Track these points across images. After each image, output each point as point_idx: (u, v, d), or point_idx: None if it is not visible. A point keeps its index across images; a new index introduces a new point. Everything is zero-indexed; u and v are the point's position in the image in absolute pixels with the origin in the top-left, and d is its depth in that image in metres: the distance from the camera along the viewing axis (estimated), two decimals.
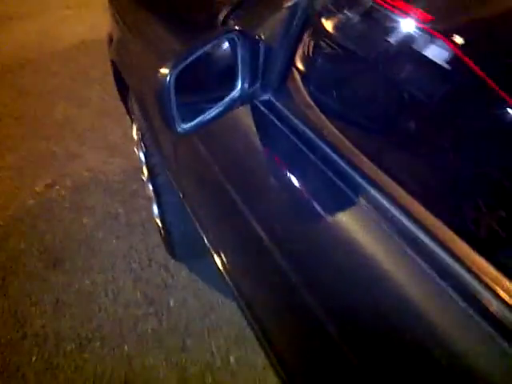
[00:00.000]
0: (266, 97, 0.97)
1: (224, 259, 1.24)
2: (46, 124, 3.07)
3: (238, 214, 1.05)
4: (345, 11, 0.86)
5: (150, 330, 1.88)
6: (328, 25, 0.89)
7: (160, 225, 1.96)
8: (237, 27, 0.93)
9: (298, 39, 0.91)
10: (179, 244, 1.90)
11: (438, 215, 0.62)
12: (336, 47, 0.87)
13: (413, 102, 0.70)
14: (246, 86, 0.95)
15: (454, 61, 0.65)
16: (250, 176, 1.06)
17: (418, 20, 0.69)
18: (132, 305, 1.97)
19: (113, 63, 1.96)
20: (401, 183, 0.68)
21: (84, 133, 2.95)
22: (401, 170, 0.71)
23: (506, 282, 0.53)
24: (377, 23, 0.79)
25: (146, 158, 1.81)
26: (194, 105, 0.95)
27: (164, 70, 0.84)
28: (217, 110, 0.94)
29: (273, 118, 0.95)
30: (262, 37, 0.92)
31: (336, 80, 0.88)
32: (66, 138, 2.93)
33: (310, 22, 0.90)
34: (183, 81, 0.86)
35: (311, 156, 0.84)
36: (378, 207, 0.70)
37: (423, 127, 0.69)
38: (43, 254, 2.23)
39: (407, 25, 0.72)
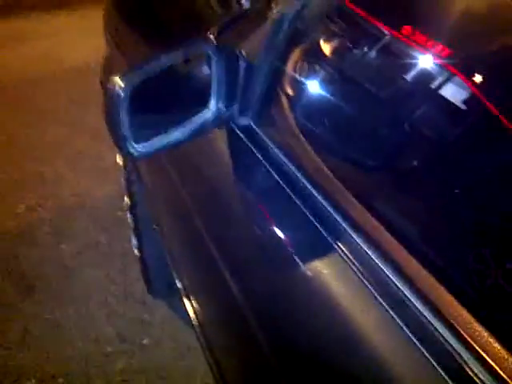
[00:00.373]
0: (245, 121, 0.85)
1: (194, 305, 1.11)
2: (38, 144, 2.98)
3: (207, 256, 0.93)
4: (348, 34, 0.77)
5: (118, 370, 1.74)
6: (327, 47, 0.78)
7: (138, 257, 1.84)
8: (212, 37, 0.81)
9: (285, 56, 0.81)
10: (156, 279, 1.77)
11: (434, 271, 0.52)
12: (335, 73, 0.77)
13: (420, 141, 0.62)
14: (222, 106, 0.83)
15: (469, 99, 0.56)
16: (222, 212, 0.95)
17: (434, 54, 0.61)
18: (103, 341, 1.83)
19: (101, 84, 1.88)
20: (395, 233, 0.58)
21: (75, 156, 2.86)
22: (397, 217, 0.61)
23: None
24: (388, 54, 0.69)
25: (126, 184, 1.70)
26: (153, 125, 0.83)
27: (117, 80, 0.72)
28: (182, 132, 0.81)
29: (251, 146, 0.84)
30: (243, 52, 0.81)
31: (332, 110, 0.76)
32: (56, 160, 2.83)
33: (300, 38, 0.80)
34: (143, 94, 0.75)
35: (292, 195, 0.73)
36: (364, 261, 0.59)
37: (428, 168, 0.60)
38: (16, 280, 2.11)
39: (421, 58, 0.63)
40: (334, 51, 0.77)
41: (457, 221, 0.54)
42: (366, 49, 0.71)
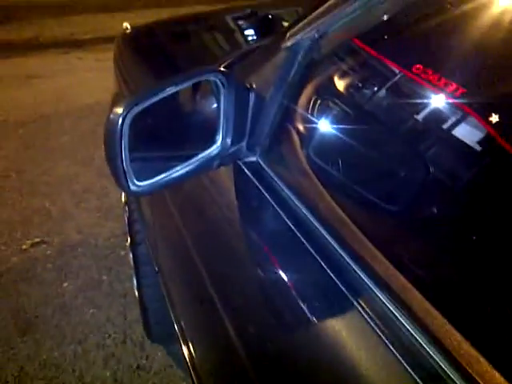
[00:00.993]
0: (252, 158, 0.82)
1: (192, 352, 1.07)
2: (46, 180, 3.00)
3: (207, 300, 0.89)
4: (360, 72, 0.75)
5: None
6: (340, 84, 0.76)
7: (138, 299, 1.81)
8: (222, 68, 0.77)
9: (297, 90, 0.77)
10: (155, 324, 1.72)
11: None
12: (348, 112, 0.74)
13: (437, 184, 0.59)
14: (229, 142, 0.78)
15: (484, 140, 0.54)
16: (224, 254, 0.89)
17: (447, 93, 0.59)
18: None
19: None
20: (417, 285, 0.54)
21: (82, 193, 2.86)
22: (418, 267, 0.57)
23: None
24: (400, 93, 0.68)
25: (129, 223, 1.68)
26: (156, 160, 0.79)
27: (117, 109, 0.67)
28: (186, 169, 0.76)
29: (259, 184, 0.79)
30: (254, 85, 0.78)
31: (345, 148, 0.73)
32: (63, 197, 2.84)
33: (315, 70, 0.77)
34: (146, 128, 0.72)
35: (302, 238, 0.68)
36: (381, 314, 0.55)
37: (443, 212, 0.57)
38: (16, 316, 2.08)
39: (434, 98, 0.61)
40: (347, 89, 0.75)
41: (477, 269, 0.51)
42: (377, 87, 0.69)
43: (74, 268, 2.32)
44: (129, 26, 2.00)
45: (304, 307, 0.65)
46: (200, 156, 0.78)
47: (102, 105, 3.78)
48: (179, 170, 0.76)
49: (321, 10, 0.74)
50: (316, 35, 0.75)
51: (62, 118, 3.76)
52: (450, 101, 0.58)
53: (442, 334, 0.49)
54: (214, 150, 0.78)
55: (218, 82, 0.75)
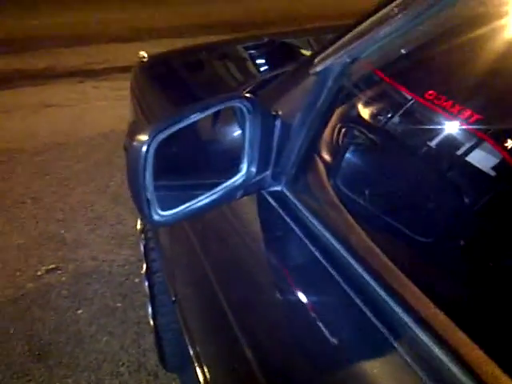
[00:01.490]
0: (277, 187, 0.80)
1: (208, 378, 1.08)
2: (61, 207, 3.04)
3: (229, 333, 0.88)
4: (378, 101, 0.75)
5: None
6: (364, 112, 0.74)
7: (152, 327, 1.81)
8: (247, 94, 0.75)
9: (326, 118, 0.75)
10: (170, 353, 1.72)
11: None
12: (373, 139, 0.73)
13: (457, 210, 0.59)
14: (254, 171, 0.76)
15: (500, 166, 0.54)
16: (247, 288, 0.87)
17: (461, 120, 0.58)
18: None
19: (125, 149, 1.93)
20: (451, 315, 0.52)
21: (96, 219, 2.89)
22: (452, 298, 0.55)
23: None
24: (419, 122, 0.67)
25: (145, 250, 1.69)
26: (178, 189, 0.77)
27: (142, 137, 0.65)
28: (210, 198, 0.74)
29: (284, 215, 0.77)
30: (279, 112, 0.76)
31: (371, 178, 0.72)
32: (78, 223, 2.87)
33: (343, 97, 0.75)
34: (167, 155, 0.70)
35: (332, 270, 0.66)
36: (423, 356, 0.52)
37: (457, 238, 0.57)
38: (30, 343, 2.09)
39: (451, 126, 0.61)
40: (369, 117, 0.73)
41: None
42: (392, 114, 0.69)
43: (89, 295, 2.33)
44: (145, 55, 2.04)
45: (330, 338, 0.63)
46: (224, 185, 0.76)
47: (116, 133, 3.86)
48: (203, 200, 0.74)
49: (353, 33, 0.72)
50: (347, 60, 0.73)
51: (77, 146, 3.82)
52: (465, 127, 0.58)
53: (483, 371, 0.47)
54: (238, 178, 0.77)
55: (244, 109, 0.73)
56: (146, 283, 1.77)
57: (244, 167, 0.77)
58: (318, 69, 0.76)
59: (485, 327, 0.51)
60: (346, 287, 0.63)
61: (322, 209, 0.75)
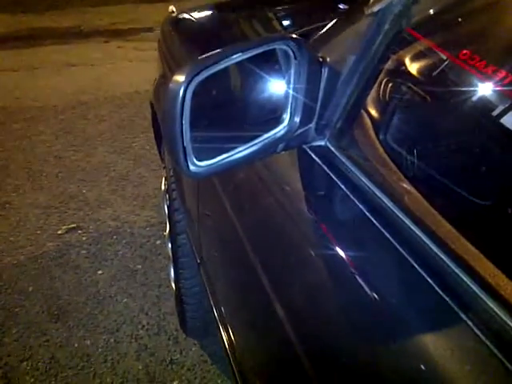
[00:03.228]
0: (321, 142, 0.73)
1: (232, 338, 0.99)
2: (83, 167, 2.98)
3: (260, 293, 0.81)
4: (424, 61, 0.69)
5: None
6: (412, 67, 0.69)
7: (174, 291, 1.74)
8: (294, 36, 0.67)
9: (381, 67, 0.68)
10: (192, 318, 1.65)
11: None
12: (419, 97, 0.68)
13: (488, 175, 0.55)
14: (297, 122, 0.70)
15: None
16: (283, 248, 0.80)
17: (495, 80, 0.54)
18: (130, 378, 1.72)
19: (151, 106, 1.84)
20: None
21: (118, 180, 2.83)
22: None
23: None
24: (454, 82, 0.63)
25: (169, 212, 1.61)
26: (215, 140, 0.71)
27: (179, 77, 0.59)
28: (249, 150, 0.68)
29: (328, 170, 0.71)
30: (327, 58, 0.69)
31: (421, 133, 0.67)
32: (100, 184, 2.81)
33: (401, 44, 0.68)
34: (203, 103, 0.63)
35: (381, 228, 0.60)
36: (482, 317, 0.46)
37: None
38: (49, 302, 2.05)
39: (482, 85, 0.56)
40: (417, 73, 0.68)
41: None
42: (429, 74, 0.65)
43: (109, 256, 2.28)
44: (174, 9, 1.95)
45: (374, 297, 0.57)
46: (265, 136, 0.69)
47: (140, 94, 3.78)
48: (242, 152, 0.68)
49: None
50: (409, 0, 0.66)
51: (101, 105, 3.75)
52: (498, 88, 0.54)
53: None
54: (280, 130, 0.70)
55: (290, 51, 0.66)
56: (170, 245, 1.69)
57: (287, 118, 0.70)
58: (376, 8, 0.68)
59: None
60: (397, 245, 0.57)
61: (371, 166, 0.69)
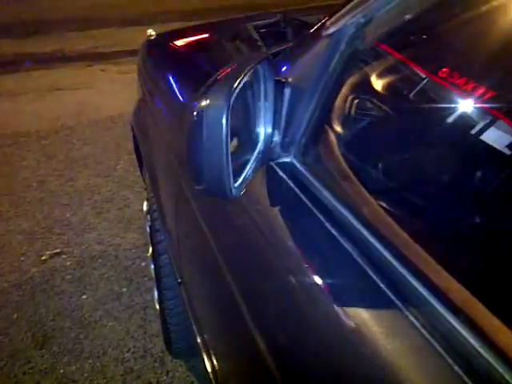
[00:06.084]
0: (286, 158, 0.75)
1: (215, 363, 0.99)
2: (67, 191, 2.97)
3: (236, 314, 0.82)
4: (391, 75, 0.71)
5: None
6: (377, 83, 0.71)
7: (159, 312, 1.74)
8: (261, 55, 0.71)
9: (339, 84, 0.70)
10: (176, 338, 1.64)
11: None
12: (385, 111, 0.70)
13: (467, 189, 0.56)
14: (269, 139, 0.72)
15: None
16: (255, 263, 0.81)
17: (475, 97, 0.55)
18: None
19: (132, 129, 1.86)
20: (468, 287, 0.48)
21: (102, 203, 2.82)
22: (471, 272, 0.52)
23: None
24: (433, 100, 0.64)
25: (150, 233, 1.62)
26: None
27: (216, 100, 0.60)
28: (254, 165, 0.71)
29: (294, 186, 0.73)
30: (289, 78, 0.72)
31: (385, 151, 0.69)
32: (84, 207, 2.80)
33: (357, 63, 0.71)
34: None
35: (344, 243, 0.62)
36: (430, 317, 0.49)
37: (481, 219, 0.53)
38: (33, 329, 2.03)
39: (463, 102, 0.58)
40: (383, 90, 0.70)
41: None
42: (405, 92, 0.66)
43: (94, 280, 2.26)
44: (153, 33, 1.98)
45: (343, 316, 0.57)
46: (254, 154, 0.73)
47: (124, 117, 3.78)
48: (252, 166, 0.72)
49: None
50: (362, 20, 0.69)
51: (85, 129, 3.75)
52: (479, 105, 0.55)
53: (490, 329, 0.44)
54: (260, 146, 0.73)
55: (260, 71, 0.69)
56: (152, 266, 1.69)
57: (261, 133, 0.74)
58: (331, 30, 0.72)
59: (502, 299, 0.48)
60: (358, 259, 0.59)
61: (334, 180, 0.71)
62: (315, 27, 0.78)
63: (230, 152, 0.64)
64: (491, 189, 0.54)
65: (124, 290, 2.19)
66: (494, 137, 0.53)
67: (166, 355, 1.84)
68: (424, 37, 0.72)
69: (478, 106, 0.55)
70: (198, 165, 0.66)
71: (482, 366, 0.44)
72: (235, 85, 0.65)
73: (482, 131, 0.54)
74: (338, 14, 0.72)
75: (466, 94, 0.56)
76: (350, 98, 0.73)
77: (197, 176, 0.67)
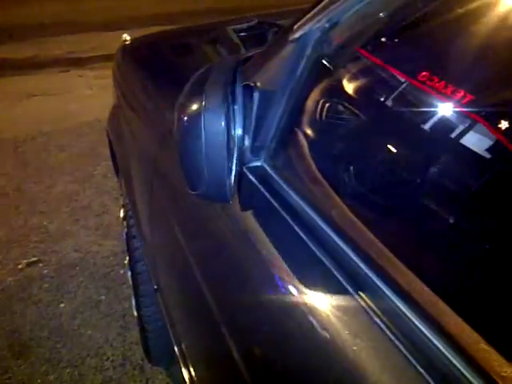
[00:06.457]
0: (257, 163, 0.76)
1: (192, 375, 0.99)
2: (44, 198, 2.93)
3: (210, 321, 0.81)
4: (369, 79, 0.72)
5: None
6: (349, 87, 0.72)
7: (137, 319, 1.72)
8: (230, 60, 0.72)
9: (306, 88, 0.71)
10: (155, 345, 1.63)
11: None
12: (359, 116, 0.70)
13: (447, 192, 0.56)
14: (241, 144, 0.73)
15: (494, 147, 0.51)
16: (228, 269, 0.81)
17: (454, 101, 0.56)
18: None
19: (107, 134, 1.84)
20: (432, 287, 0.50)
21: (80, 210, 2.79)
22: (434, 272, 0.53)
23: None
24: (407, 102, 0.64)
25: (127, 239, 1.60)
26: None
27: (213, 104, 0.63)
28: (235, 169, 0.73)
29: (264, 191, 0.73)
30: (258, 83, 0.72)
31: (355, 154, 0.69)
32: (61, 214, 2.77)
33: (325, 68, 0.71)
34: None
35: (312, 245, 0.62)
36: (399, 322, 0.50)
37: (458, 221, 0.53)
38: (10, 339, 1.99)
39: (442, 106, 0.58)
40: (356, 94, 0.70)
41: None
42: (384, 96, 0.66)
43: (72, 288, 2.24)
44: (128, 38, 1.96)
45: (315, 322, 0.58)
46: (234, 159, 0.74)
47: (101, 121, 3.74)
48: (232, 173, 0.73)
49: None
50: (327, 25, 0.69)
51: (61, 135, 3.71)
52: (458, 108, 0.55)
53: (456, 332, 0.45)
54: (236, 151, 0.74)
55: (229, 78, 0.70)
56: (129, 273, 1.68)
57: (236, 138, 0.74)
58: (297, 35, 0.72)
59: (475, 307, 0.49)
60: (326, 263, 0.59)
61: (304, 184, 0.71)
62: (282, 32, 0.79)
63: (228, 155, 0.65)
64: (471, 192, 0.54)
65: (102, 297, 2.17)
66: (473, 140, 0.53)
67: (145, 363, 1.82)
68: (400, 40, 0.72)
69: (458, 109, 0.56)
70: (196, 170, 0.66)
71: (445, 366, 0.45)
72: (229, 89, 0.66)
73: (461, 135, 0.54)
74: (303, 19, 0.72)
75: (446, 97, 0.56)
76: (321, 101, 0.73)
77: (194, 181, 0.68)
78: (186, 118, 0.68)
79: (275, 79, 0.72)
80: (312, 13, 0.71)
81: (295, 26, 0.72)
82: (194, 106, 0.67)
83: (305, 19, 0.72)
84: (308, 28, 0.70)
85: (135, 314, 1.75)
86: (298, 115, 0.74)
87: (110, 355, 1.88)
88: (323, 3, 0.71)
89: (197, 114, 0.66)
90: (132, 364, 1.83)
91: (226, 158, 0.67)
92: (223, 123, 0.65)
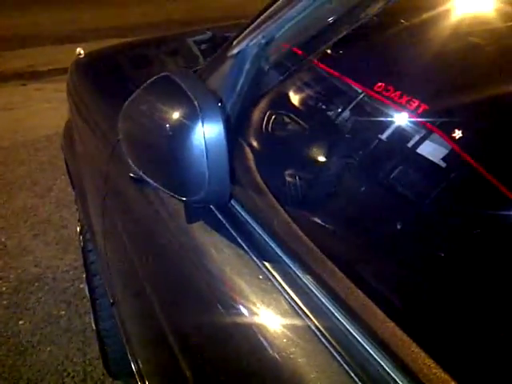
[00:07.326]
0: None
1: None
2: (3, 214, 2.88)
3: (162, 337, 0.80)
4: (319, 91, 0.73)
5: None
6: (297, 99, 0.73)
7: (96, 333, 1.71)
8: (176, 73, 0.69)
9: (247, 102, 0.73)
10: (114, 359, 1.62)
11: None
12: (306, 129, 0.71)
13: (402, 203, 0.57)
14: None
15: (449, 156, 0.53)
16: (178, 286, 0.81)
17: (409, 110, 0.57)
18: None
19: (62, 149, 1.83)
20: (376, 301, 0.51)
21: (39, 225, 2.76)
22: (380, 284, 0.54)
23: None
24: (362, 112, 0.66)
25: (83, 254, 1.60)
26: None
27: (211, 114, 0.62)
28: None
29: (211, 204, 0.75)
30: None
31: (303, 165, 0.70)
32: (20, 230, 2.72)
33: (266, 81, 0.73)
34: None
35: (253, 257, 0.64)
36: (338, 333, 0.51)
37: (409, 230, 0.55)
38: None
39: (396, 116, 0.60)
40: (305, 105, 0.72)
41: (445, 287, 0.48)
42: (339, 106, 0.67)
43: (31, 304, 2.20)
44: (82, 52, 1.96)
45: (263, 341, 0.58)
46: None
47: (60, 135, 3.69)
48: None
49: (266, 14, 0.72)
50: (263, 41, 0.72)
51: (20, 149, 3.65)
52: (413, 118, 0.57)
53: (387, 336, 0.47)
54: None
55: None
56: (87, 287, 1.67)
57: None
58: (235, 51, 0.74)
59: (417, 320, 0.50)
60: (266, 272, 0.61)
61: (249, 197, 0.72)
62: (223, 47, 0.81)
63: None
64: (428, 201, 0.55)
65: (62, 312, 2.14)
66: (429, 149, 0.54)
67: (106, 378, 1.80)
68: (355, 51, 0.74)
69: (413, 119, 0.56)
70: (195, 177, 0.65)
71: (373, 367, 0.47)
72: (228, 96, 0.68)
73: (418, 144, 0.55)
74: (241, 35, 0.75)
75: (401, 107, 0.57)
76: (267, 112, 0.75)
77: (191, 188, 0.67)
78: (170, 127, 0.65)
79: (217, 93, 0.74)
80: (249, 29, 0.74)
81: (234, 42, 0.75)
82: (181, 115, 0.64)
83: (242, 35, 0.75)
84: (246, 44, 0.72)
85: (94, 327, 1.74)
86: (241, 129, 0.76)
87: (70, 371, 1.86)
88: (259, 20, 0.74)
89: (191, 124, 0.63)
90: (93, 380, 1.81)
91: (227, 164, 0.65)
92: (223, 126, 0.64)
